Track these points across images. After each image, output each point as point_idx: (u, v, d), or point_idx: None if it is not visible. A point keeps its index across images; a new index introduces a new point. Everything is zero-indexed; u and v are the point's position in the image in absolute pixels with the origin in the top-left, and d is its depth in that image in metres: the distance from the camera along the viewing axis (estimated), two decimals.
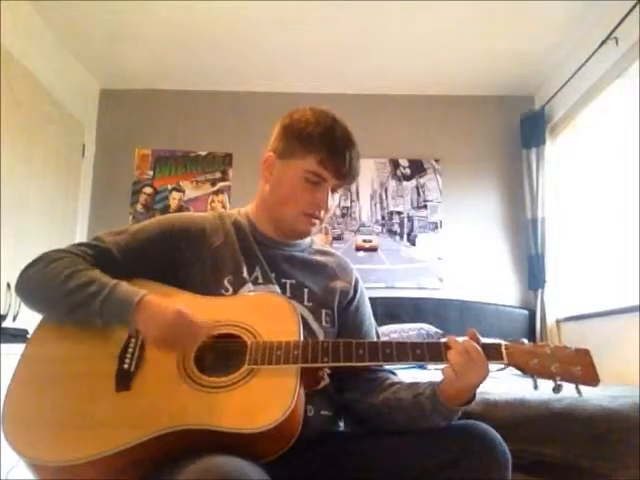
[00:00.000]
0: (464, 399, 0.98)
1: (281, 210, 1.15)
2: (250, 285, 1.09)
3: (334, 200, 1.17)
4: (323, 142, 1.10)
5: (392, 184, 3.76)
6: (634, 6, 2.46)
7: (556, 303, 3.30)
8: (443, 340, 0.98)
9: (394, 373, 1.18)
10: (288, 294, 1.12)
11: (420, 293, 3.56)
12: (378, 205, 3.76)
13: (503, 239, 3.65)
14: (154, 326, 0.95)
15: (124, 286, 0.99)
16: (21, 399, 0.93)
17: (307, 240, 1.24)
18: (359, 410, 1.13)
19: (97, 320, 0.97)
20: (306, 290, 1.14)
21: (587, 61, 2.86)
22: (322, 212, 1.14)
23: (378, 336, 1.24)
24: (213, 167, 3.75)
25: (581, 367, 0.91)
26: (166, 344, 0.96)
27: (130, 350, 0.97)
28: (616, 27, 2.59)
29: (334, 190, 1.15)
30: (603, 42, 2.68)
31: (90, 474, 0.86)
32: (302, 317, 1.04)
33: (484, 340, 0.97)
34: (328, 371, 1.09)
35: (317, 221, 1.15)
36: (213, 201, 3.71)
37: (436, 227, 3.69)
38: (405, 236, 3.70)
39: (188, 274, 1.10)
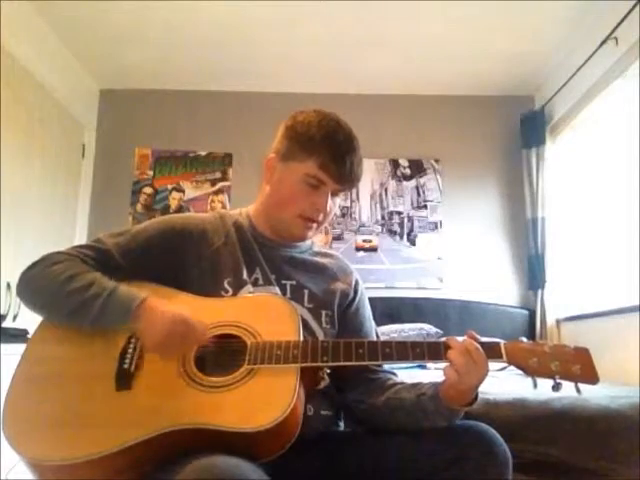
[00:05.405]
0: (466, 400, 0.98)
1: (279, 212, 1.15)
2: (250, 287, 1.09)
3: (334, 204, 1.16)
4: (324, 146, 1.09)
5: (392, 184, 3.76)
6: (634, 6, 2.46)
7: (556, 303, 3.30)
8: (443, 339, 0.98)
9: (395, 374, 1.18)
10: (288, 296, 1.11)
11: (420, 293, 3.55)
12: (378, 205, 3.76)
13: (503, 239, 3.65)
14: (152, 333, 0.94)
15: (123, 289, 0.99)
16: (21, 399, 0.93)
17: (307, 241, 1.24)
18: (360, 410, 1.12)
19: (96, 323, 0.97)
20: (306, 292, 1.14)
21: (587, 61, 2.86)
22: (320, 216, 1.14)
23: (378, 338, 1.24)
24: (213, 167, 3.75)
25: (581, 365, 0.91)
26: (163, 351, 0.95)
27: (130, 350, 0.97)
28: (616, 27, 2.59)
29: (334, 194, 1.14)
30: (603, 42, 2.68)
31: (90, 473, 0.86)
32: (302, 318, 1.04)
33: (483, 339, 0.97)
34: (328, 371, 1.09)
35: (314, 225, 1.15)
36: (213, 201, 3.71)
37: (436, 227, 3.69)
38: (405, 236, 3.69)
39: (188, 275, 1.10)
